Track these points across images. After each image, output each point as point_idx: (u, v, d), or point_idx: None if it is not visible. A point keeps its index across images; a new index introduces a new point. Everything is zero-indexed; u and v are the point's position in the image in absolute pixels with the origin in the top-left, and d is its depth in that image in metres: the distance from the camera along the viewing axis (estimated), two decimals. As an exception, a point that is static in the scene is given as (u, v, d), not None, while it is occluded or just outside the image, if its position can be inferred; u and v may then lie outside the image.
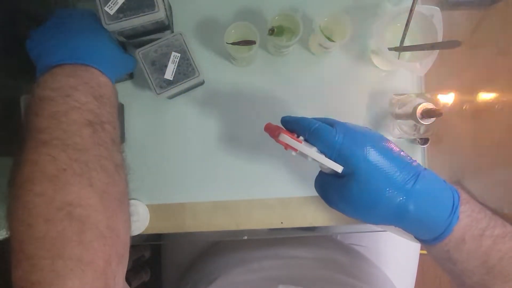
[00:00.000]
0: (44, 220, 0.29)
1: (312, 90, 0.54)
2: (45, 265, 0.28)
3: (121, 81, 0.53)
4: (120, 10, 0.42)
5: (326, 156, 0.35)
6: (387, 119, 0.53)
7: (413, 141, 0.54)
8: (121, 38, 0.47)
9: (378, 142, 0.35)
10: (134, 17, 0.42)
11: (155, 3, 0.43)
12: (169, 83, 0.47)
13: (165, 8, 0.44)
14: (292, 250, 0.62)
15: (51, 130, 0.33)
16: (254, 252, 0.62)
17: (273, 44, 0.49)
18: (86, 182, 0.32)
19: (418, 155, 0.55)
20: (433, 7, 0.46)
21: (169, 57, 0.46)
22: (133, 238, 0.44)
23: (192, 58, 0.47)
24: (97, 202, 0.32)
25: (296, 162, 0.53)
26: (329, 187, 0.37)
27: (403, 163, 0.34)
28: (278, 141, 0.36)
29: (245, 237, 0.58)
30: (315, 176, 0.40)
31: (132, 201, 0.52)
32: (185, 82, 0.47)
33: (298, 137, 0.36)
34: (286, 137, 0.35)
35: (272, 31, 0.47)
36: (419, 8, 0.45)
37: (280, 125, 0.39)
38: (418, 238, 0.39)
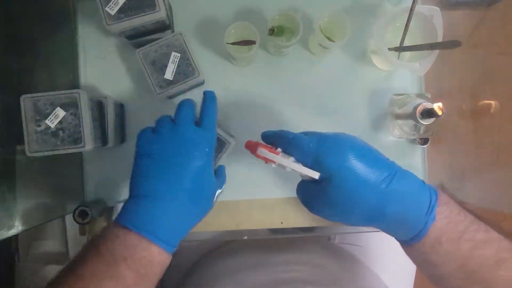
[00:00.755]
0: None
1: (312, 90, 0.54)
2: None
3: None
4: (121, 10, 0.42)
5: (302, 164, 0.35)
6: (387, 119, 0.53)
7: (413, 141, 0.54)
8: (123, 39, 0.47)
9: (352, 145, 0.35)
10: (135, 17, 0.43)
11: (156, 2, 0.43)
12: (169, 83, 0.47)
13: (166, 8, 0.44)
14: (290, 255, 0.61)
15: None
16: (255, 256, 0.62)
17: (273, 44, 0.49)
18: None
19: (418, 155, 0.55)
20: (433, 7, 0.46)
21: (169, 57, 0.46)
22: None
23: (192, 58, 0.47)
24: None
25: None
26: (309, 194, 0.37)
27: (378, 163, 0.34)
28: (257, 155, 0.37)
29: (245, 237, 0.58)
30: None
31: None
32: (185, 82, 0.47)
33: (276, 149, 0.37)
34: (263, 151, 0.36)
35: (272, 31, 0.47)
36: (419, 8, 0.45)
37: (261, 141, 0.40)
38: (397, 239, 0.39)
